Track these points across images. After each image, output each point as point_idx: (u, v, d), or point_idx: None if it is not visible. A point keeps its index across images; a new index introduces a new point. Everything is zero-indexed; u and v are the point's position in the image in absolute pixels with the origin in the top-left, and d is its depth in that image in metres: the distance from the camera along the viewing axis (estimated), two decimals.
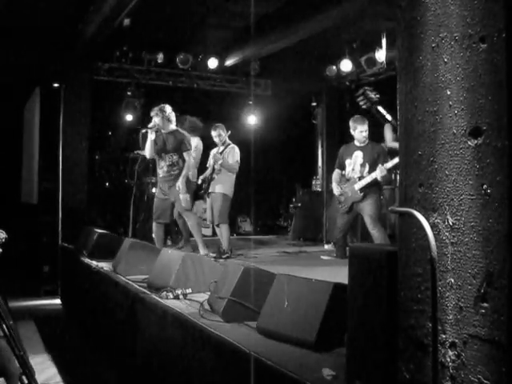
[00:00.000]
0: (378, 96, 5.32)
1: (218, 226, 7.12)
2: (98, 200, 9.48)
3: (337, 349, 2.85)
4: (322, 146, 10.60)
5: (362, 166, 6.46)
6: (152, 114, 6.66)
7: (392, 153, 6.49)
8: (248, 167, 8.15)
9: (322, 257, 7.03)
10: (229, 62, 9.54)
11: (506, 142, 1.66)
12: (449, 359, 1.82)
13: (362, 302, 2.38)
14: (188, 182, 6.62)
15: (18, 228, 9.04)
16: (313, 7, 6.98)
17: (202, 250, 6.61)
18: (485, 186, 1.73)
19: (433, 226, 1.89)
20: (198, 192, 7.27)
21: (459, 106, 1.82)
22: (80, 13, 7.31)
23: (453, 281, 1.83)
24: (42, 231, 9.07)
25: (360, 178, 6.41)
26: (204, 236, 7.25)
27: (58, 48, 8.33)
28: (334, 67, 9.12)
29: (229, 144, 7.24)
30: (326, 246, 8.44)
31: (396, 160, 5.96)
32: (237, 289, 3.61)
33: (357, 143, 6.60)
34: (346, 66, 8.98)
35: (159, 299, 4.23)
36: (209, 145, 7.48)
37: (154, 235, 6.83)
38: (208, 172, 7.17)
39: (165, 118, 6.61)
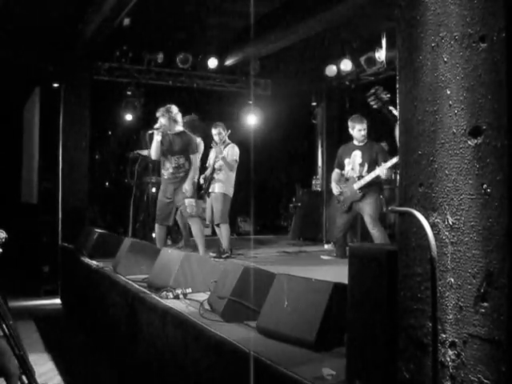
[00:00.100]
0: (389, 96, 5.33)
1: (217, 225, 7.11)
2: (97, 200, 9.48)
3: (337, 348, 2.85)
4: (322, 146, 10.59)
5: (361, 165, 6.46)
6: (158, 114, 6.56)
7: None
8: (248, 167, 8.15)
9: (321, 256, 7.03)
10: (229, 62, 9.54)
11: (506, 142, 1.66)
12: (449, 359, 1.82)
13: (361, 302, 2.38)
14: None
15: (18, 228, 9.04)
16: (313, 7, 6.97)
17: (202, 254, 6.60)
18: (485, 186, 1.73)
19: (433, 226, 1.89)
20: (198, 192, 7.26)
21: (459, 106, 1.82)
22: (80, 12, 7.31)
23: (453, 280, 1.83)
24: (42, 231, 9.07)
25: (359, 178, 6.41)
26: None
27: (57, 48, 8.33)
28: (334, 67, 9.11)
29: (228, 143, 7.24)
30: (326, 246, 8.45)
31: (395, 159, 5.96)
32: (237, 288, 3.61)
33: (356, 142, 6.60)
34: (346, 65, 8.98)
35: (159, 299, 4.23)
36: (208, 144, 7.48)
37: (155, 236, 6.77)
38: (208, 172, 7.17)
39: (171, 118, 6.51)
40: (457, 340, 1.80)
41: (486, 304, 1.72)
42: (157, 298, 4.28)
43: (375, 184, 6.41)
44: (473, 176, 1.77)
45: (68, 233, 8.33)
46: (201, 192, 7.24)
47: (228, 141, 7.28)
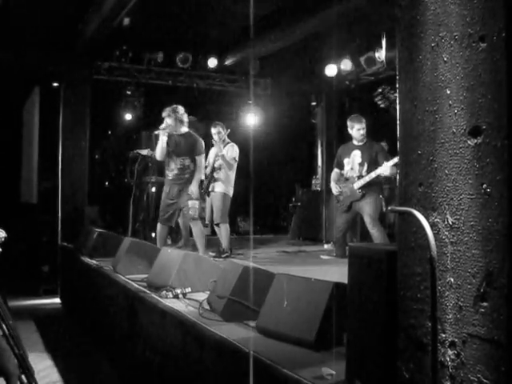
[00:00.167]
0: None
1: (217, 225, 7.11)
2: (97, 199, 9.48)
3: (336, 348, 2.85)
4: (322, 146, 10.59)
5: (361, 165, 6.47)
6: (164, 114, 6.48)
7: None
8: (247, 166, 8.15)
9: (321, 256, 7.04)
10: (228, 62, 9.54)
11: (506, 142, 1.66)
12: (448, 358, 1.82)
13: (361, 302, 2.38)
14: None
15: (18, 227, 9.05)
16: (312, 6, 6.97)
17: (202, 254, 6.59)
18: (484, 186, 1.73)
19: (432, 226, 1.89)
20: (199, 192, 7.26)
21: (459, 106, 1.82)
22: (80, 12, 7.32)
23: (452, 280, 1.83)
24: (42, 231, 9.07)
25: (359, 177, 6.42)
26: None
27: (57, 47, 8.33)
28: (334, 67, 9.11)
29: (228, 142, 7.24)
30: (326, 246, 8.45)
31: (397, 158, 5.96)
32: (236, 288, 3.61)
33: (355, 142, 6.61)
34: (346, 65, 8.97)
35: (159, 298, 4.23)
36: (208, 144, 7.48)
37: (156, 235, 6.72)
38: (207, 171, 7.17)
39: (177, 119, 6.44)
40: (456, 340, 1.80)
41: (485, 304, 1.72)
42: (156, 297, 4.28)
43: (375, 184, 6.41)
44: (472, 176, 1.77)
45: (68, 232, 8.34)
46: (200, 191, 7.24)
47: (227, 140, 7.28)
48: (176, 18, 7.85)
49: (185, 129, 6.55)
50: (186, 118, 6.56)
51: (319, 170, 10.58)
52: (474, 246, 1.76)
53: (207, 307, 3.85)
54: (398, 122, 2.12)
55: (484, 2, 1.74)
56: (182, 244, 7.23)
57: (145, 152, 8.69)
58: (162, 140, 6.41)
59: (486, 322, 1.71)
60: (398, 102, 2.12)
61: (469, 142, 1.78)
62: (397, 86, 2.12)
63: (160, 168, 8.60)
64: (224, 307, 3.60)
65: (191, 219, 6.47)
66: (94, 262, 6.30)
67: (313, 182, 10.54)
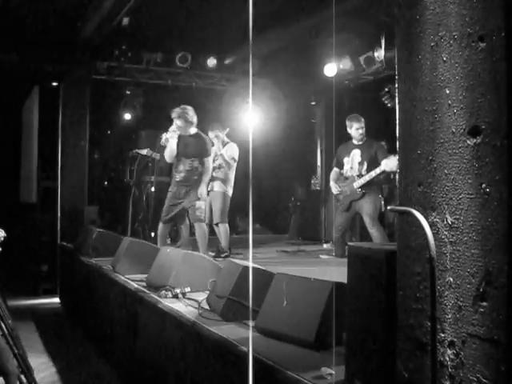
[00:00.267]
0: None
1: (216, 225, 7.11)
2: (96, 199, 9.48)
3: (336, 348, 2.85)
4: (321, 145, 10.59)
5: (361, 164, 6.47)
6: (174, 115, 6.41)
7: None
8: (247, 166, 8.14)
9: (320, 256, 7.04)
10: (228, 61, 9.53)
11: (505, 141, 1.66)
12: (448, 358, 1.82)
13: (360, 301, 2.38)
14: None
15: (17, 227, 9.05)
16: (312, 6, 6.97)
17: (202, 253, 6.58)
18: (484, 185, 1.73)
19: (432, 225, 1.89)
20: None
21: (458, 105, 1.82)
22: (79, 12, 7.31)
23: (452, 280, 1.83)
24: (41, 230, 9.07)
25: (359, 176, 6.42)
26: None
27: (57, 47, 8.32)
28: (334, 66, 9.11)
29: (227, 142, 7.24)
30: (325, 245, 8.46)
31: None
32: (236, 288, 3.61)
33: (354, 141, 6.62)
34: (346, 65, 8.97)
35: (158, 298, 4.23)
36: None
37: (157, 234, 6.67)
38: None
39: (188, 121, 6.38)
40: (456, 339, 1.80)
41: (485, 303, 1.72)
42: (156, 297, 4.28)
43: (375, 183, 6.41)
44: (472, 175, 1.77)
45: (67, 232, 8.34)
46: None
47: (226, 140, 7.28)
48: (175, 18, 7.85)
49: (193, 129, 6.50)
50: (195, 118, 6.49)
51: (319, 170, 10.58)
52: (473, 246, 1.76)
53: (207, 307, 3.85)
54: (397, 121, 2.12)
55: (483, 1, 1.73)
56: (181, 244, 7.23)
57: (144, 152, 8.69)
58: (172, 143, 6.36)
59: (485, 321, 1.71)
60: (397, 101, 2.12)
61: (468, 141, 1.78)
62: (396, 85, 2.12)
63: (159, 168, 8.61)
64: (223, 307, 3.60)
65: (197, 220, 6.43)
66: (94, 261, 6.30)
67: (312, 181, 10.54)
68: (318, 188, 10.31)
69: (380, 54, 8.00)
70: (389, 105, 6.11)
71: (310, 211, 9.81)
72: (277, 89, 10.22)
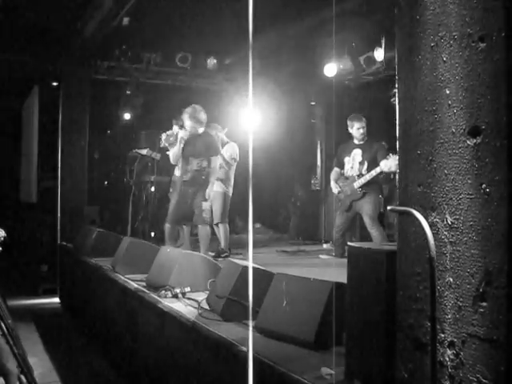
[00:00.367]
0: None
1: (216, 225, 7.11)
2: (96, 199, 9.48)
3: (335, 348, 2.85)
4: (321, 145, 10.59)
5: (361, 163, 6.48)
6: (185, 116, 6.34)
7: None
8: (246, 166, 8.14)
9: (320, 256, 7.04)
10: (228, 61, 9.52)
11: (505, 141, 1.66)
12: (447, 358, 1.82)
13: (360, 301, 2.38)
14: None
15: (17, 227, 9.06)
16: (312, 5, 6.97)
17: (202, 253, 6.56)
18: (484, 185, 1.73)
19: (432, 225, 1.89)
20: None
21: (458, 105, 1.82)
22: (79, 11, 7.31)
23: (451, 280, 1.83)
24: (41, 230, 9.07)
25: (359, 176, 6.42)
26: None
27: (57, 47, 8.32)
28: (334, 66, 9.10)
29: (227, 142, 7.23)
30: (325, 245, 8.45)
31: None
32: (235, 288, 3.61)
33: (355, 141, 6.62)
34: (346, 65, 8.96)
35: (158, 298, 4.22)
36: None
37: (166, 235, 6.53)
38: None
39: (199, 121, 6.32)
40: (456, 340, 1.80)
41: (484, 304, 1.72)
42: (155, 297, 4.28)
43: (375, 183, 6.41)
44: (472, 176, 1.77)
45: (67, 232, 8.33)
46: None
47: (226, 139, 7.27)
48: (175, 18, 7.84)
49: (202, 129, 6.44)
50: (205, 117, 6.42)
51: (318, 170, 10.57)
52: (473, 246, 1.76)
53: (206, 307, 3.85)
54: (397, 121, 2.12)
55: (483, 1, 1.74)
56: (181, 243, 7.23)
57: (144, 151, 8.68)
58: (180, 142, 6.31)
59: (485, 321, 1.71)
60: (397, 101, 2.12)
61: (468, 141, 1.78)
62: (396, 85, 2.12)
63: (159, 168, 8.61)
64: (223, 307, 3.60)
65: (203, 222, 6.38)
66: (93, 261, 6.29)
67: (312, 181, 10.53)
68: (318, 188, 10.31)
69: (380, 54, 8.00)
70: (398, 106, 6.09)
71: (310, 211, 9.81)
72: (277, 89, 10.23)
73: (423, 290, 1.91)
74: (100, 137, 10.35)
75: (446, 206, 1.85)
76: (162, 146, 7.26)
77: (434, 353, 1.84)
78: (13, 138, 10.73)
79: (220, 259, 6.32)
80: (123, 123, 10.12)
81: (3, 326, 3.24)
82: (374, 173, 6.29)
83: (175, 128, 7.24)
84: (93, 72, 8.95)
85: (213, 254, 6.78)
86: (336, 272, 3.89)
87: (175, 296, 4.23)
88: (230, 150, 7.11)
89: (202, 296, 4.13)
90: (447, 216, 1.84)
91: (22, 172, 10.83)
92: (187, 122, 6.34)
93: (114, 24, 7.25)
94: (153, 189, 8.87)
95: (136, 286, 4.81)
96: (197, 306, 3.88)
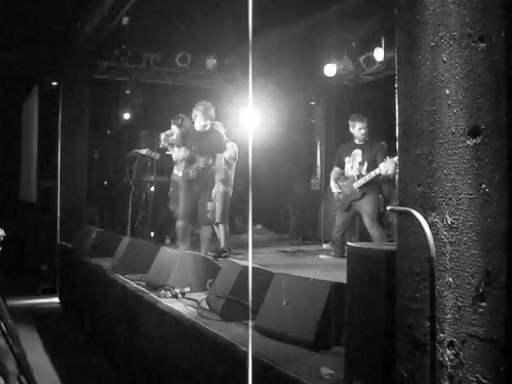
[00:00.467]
0: None
1: (216, 225, 7.10)
2: (96, 199, 9.48)
3: (335, 348, 2.86)
4: (321, 145, 10.58)
5: (361, 164, 6.47)
6: (196, 113, 6.27)
7: None
8: (246, 166, 8.13)
9: (320, 256, 7.03)
10: (227, 61, 9.52)
11: (505, 142, 1.66)
12: (447, 358, 1.82)
13: (360, 301, 2.38)
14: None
15: (17, 226, 9.05)
16: (312, 5, 6.97)
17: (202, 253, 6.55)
18: (483, 186, 1.73)
19: (431, 225, 1.89)
20: None
21: (458, 105, 1.82)
22: (79, 11, 7.31)
23: (451, 280, 1.83)
24: (41, 230, 9.07)
25: (359, 177, 6.42)
26: None
27: (56, 46, 8.32)
28: (333, 66, 9.11)
29: (227, 141, 7.22)
30: (325, 245, 8.45)
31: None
32: (235, 288, 3.61)
33: (356, 141, 6.62)
34: (346, 65, 8.96)
35: (157, 298, 4.22)
36: None
37: (180, 232, 6.44)
38: None
39: (209, 117, 6.23)
40: (455, 340, 1.80)
41: (484, 304, 1.72)
42: (155, 297, 4.27)
43: (375, 183, 6.41)
44: (471, 176, 1.77)
45: (66, 231, 8.33)
46: None
47: (226, 139, 7.26)
48: (175, 18, 7.84)
49: (209, 126, 6.35)
50: (214, 113, 6.34)
51: (318, 170, 10.57)
52: (472, 246, 1.76)
53: (206, 307, 3.85)
54: (397, 121, 2.12)
55: (483, 1, 1.74)
56: (180, 243, 7.22)
57: (144, 151, 8.67)
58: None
59: (484, 321, 1.71)
60: (396, 101, 2.12)
61: (468, 141, 1.78)
62: (396, 85, 2.12)
63: (158, 167, 8.60)
64: (223, 307, 3.60)
65: (206, 223, 6.35)
66: (93, 261, 6.29)
67: (312, 181, 10.53)
68: (318, 188, 10.31)
69: (380, 53, 8.00)
70: None
71: (310, 211, 9.80)
72: (277, 89, 10.22)
73: (423, 290, 1.91)
74: (100, 137, 10.36)
75: (445, 206, 1.85)
76: (161, 146, 7.27)
77: (433, 353, 1.84)
78: (13, 137, 10.72)
79: (220, 259, 6.32)
80: (123, 123, 10.12)
81: (3, 325, 3.24)
82: (373, 174, 6.29)
83: (174, 128, 7.25)
84: (93, 72, 8.95)
85: (213, 253, 6.78)
86: (336, 272, 3.90)
87: (175, 296, 4.23)
88: (229, 150, 7.10)
89: (201, 296, 4.12)
90: (447, 216, 1.84)
91: (22, 172, 10.82)
92: (200, 121, 6.25)
93: (114, 24, 7.25)
94: (152, 189, 8.85)
95: (136, 285, 4.81)
96: (196, 305, 3.88)
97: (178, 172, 7.23)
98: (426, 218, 1.91)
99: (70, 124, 8.67)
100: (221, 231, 7.02)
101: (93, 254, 6.55)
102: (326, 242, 8.63)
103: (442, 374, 1.83)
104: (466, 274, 1.77)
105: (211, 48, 9.36)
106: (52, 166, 8.73)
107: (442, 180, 1.87)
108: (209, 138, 6.29)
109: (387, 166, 6.11)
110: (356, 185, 6.41)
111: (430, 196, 1.91)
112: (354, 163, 6.54)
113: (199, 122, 6.28)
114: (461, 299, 1.79)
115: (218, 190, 6.99)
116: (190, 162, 6.35)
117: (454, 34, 1.83)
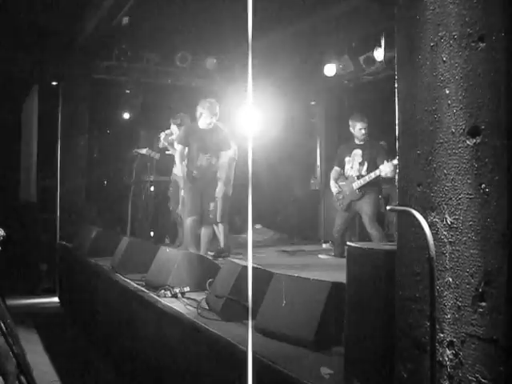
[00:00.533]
0: None
1: (216, 224, 7.10)
2: (96, 198, 9.47)
3: (335, 348, 2.85)
4: (321, 145, 10.59)
5: (361, 164, 6.48)
6: (201, 110, 6.20)
7: None
8: (246, 166, 8.12)
9: (319, 256, 7.03)
10: (227, 61, 9.52)
11: (505, 141, 1.66)
12: (447, 358, 1.82)
13: (359, 301, 2.38)
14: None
15: (17, 226, 9.04)
16: (312, 5, 6.97)
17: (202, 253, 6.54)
18: (483, 185, 1.73)
19: (431, 225, 1.89)
20: None
21: (458, 105, 1.82)
22: (79, 11, 7.31)
23: (451, 280, 1.83)
24: (40, 229, 9.06)
25: (358, 177, 6.42)
26: None
27: (56, 46, 8.32)
28: (333, 66, 9.11)
29: None
30: (324, 245, 8.45)
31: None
32: (235, 288, 3.61)
33: (356, 141, 6.62)
34: (346, 64, 8.96)
35: (157, 298, 4.22)
36: None
37: (189, 230, 6.35)
38: None
39: (214, 115, 6.17)
40: (455, 339, 1.80)
41: (484, 303, 1.72)
42: (155, 296, 4.27)
43: (374, 183, 6.41)
44: (471, 175, 1.76)
45: (66, 231, 8.33)
46: None
47: None
48: (175, 18, 7.84)
49: (214, 123, 6.27)
50: (218, 110, 6.27)
51: (318, 170, 10.57)
52: (472, 246, 1.76)
53: (206, 306, 3.85)
54: (397, 121, 2.12)
55: (483, 1, 1.73)
56: (180, 243, 7.22)
57: (143, 151, 8.67)
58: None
59: (484, 321, 1.71)
60: (396, 101, 2.12)
61: (468, 141, 1.78)
62: (396, 85, 2.12)
63: (158, 167, 8.60)
64: (222, 306, 3.60)
65: (208, 223, 6.34)
66: (93, 261, 6.29)
67: (311, 181, 10.53)
68: (318, 188, 10.31)
69: (380, 53, 8.00)
70: None
71: (310, 211, 9.80)
72: (277, 89, 10.22)
73: (422, 290, 1.91)
74: (99, 136, 10.35)
75: (445, 206, 1.85)
76: (161, 145, 7.26)
77: (433, 353, 1.84)
78: (12, 136, 10.71)
79: (220, 259, 6.32)
80: (122, 123, 10.11)
81: (2, 325, 3.24)
82: (372, 175, 6.30)
83: (173, 127, 7.24)
84: (92, 71, 8.94)
85: (212, 253, 6.78)
86: (335, 272, 3.90)
87: (174, 296, 4.22)
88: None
89: (201, 296, 4.12)
90: (447, 216, 1.84)
91: (22, 172, 10.81)
92: (205, 118, 6.18)
93: (114, 24, 7.25)
94: (152, 188, 8.86)
95: (135, 285, 4.81)
96: (196, 305, 3.88)
97: (177, 172, 7.22)
98: (425, 217, 1.91)
99: (70, 124, 8.67)
100: (221, 231, 7.02)
101: (92, 254, 6.55)
102: (325, 242, 8.63)
103: (441, 374, 1.83)
104: (466, 273, 1.77)
105: (211, 48, 9.36)
106: (52, 166, 8.73)
107: (442, 180, 1.87)
108: (214, 136, 6.23)
109: (386, 169, 6.12)
110: (355, 185, 6.41)
111: (430, 196, 1.91)
112: (353, 163, 6.54)
113: (205, 119, 6.22)
114: (461, 299, 1.79)
115: (220, 189, 6.99)
116: (192, 160, 6.32)
117: (454, 33, 1.83)
